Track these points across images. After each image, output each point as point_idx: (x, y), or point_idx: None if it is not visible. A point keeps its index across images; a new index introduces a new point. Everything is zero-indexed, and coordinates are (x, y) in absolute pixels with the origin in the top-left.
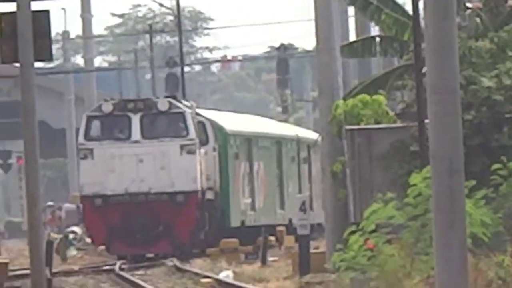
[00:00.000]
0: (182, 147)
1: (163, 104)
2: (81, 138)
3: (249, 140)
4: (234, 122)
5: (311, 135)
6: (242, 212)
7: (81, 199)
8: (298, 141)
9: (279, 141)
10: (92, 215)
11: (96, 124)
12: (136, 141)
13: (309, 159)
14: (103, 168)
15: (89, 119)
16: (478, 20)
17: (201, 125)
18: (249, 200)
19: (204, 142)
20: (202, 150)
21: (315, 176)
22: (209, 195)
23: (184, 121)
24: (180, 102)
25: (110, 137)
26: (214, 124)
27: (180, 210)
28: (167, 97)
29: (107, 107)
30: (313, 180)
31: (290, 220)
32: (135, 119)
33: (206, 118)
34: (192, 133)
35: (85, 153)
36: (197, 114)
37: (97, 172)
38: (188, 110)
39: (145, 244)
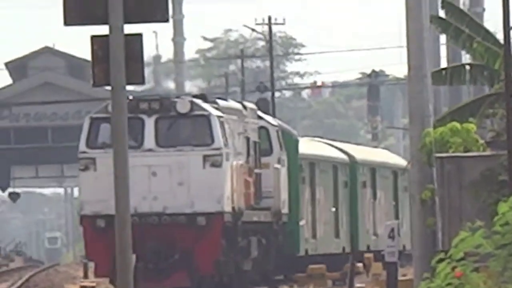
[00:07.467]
0: (205, 158)
1: (183, 105)
2: (82, 145)
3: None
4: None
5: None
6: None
7: (81, 219)
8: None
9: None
10: (94, 239)
11: (101, 128)
12: (149, 150)
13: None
14: (108, 182)
15: (93, 122)
16: None
17: (263, 132)
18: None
19: (267, 153)
20: (234, 162)
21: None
22: (265, 217)
23: (209, 126)
24: (207, 102)
25: None
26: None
27: (201, 236)
28: (193, 96)
29: None
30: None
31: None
32: (149, 123)
33: (271, 124)
34: (219, 141)
35: (86, 164)
36: (259, 117)
37: (100, 187)
38: (214, 113)
39: (158, 276)
